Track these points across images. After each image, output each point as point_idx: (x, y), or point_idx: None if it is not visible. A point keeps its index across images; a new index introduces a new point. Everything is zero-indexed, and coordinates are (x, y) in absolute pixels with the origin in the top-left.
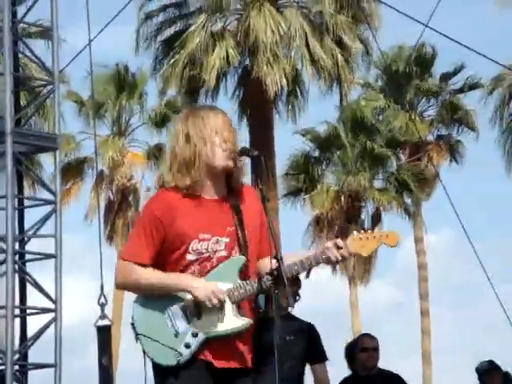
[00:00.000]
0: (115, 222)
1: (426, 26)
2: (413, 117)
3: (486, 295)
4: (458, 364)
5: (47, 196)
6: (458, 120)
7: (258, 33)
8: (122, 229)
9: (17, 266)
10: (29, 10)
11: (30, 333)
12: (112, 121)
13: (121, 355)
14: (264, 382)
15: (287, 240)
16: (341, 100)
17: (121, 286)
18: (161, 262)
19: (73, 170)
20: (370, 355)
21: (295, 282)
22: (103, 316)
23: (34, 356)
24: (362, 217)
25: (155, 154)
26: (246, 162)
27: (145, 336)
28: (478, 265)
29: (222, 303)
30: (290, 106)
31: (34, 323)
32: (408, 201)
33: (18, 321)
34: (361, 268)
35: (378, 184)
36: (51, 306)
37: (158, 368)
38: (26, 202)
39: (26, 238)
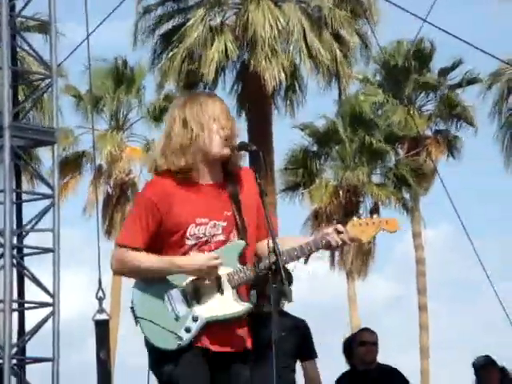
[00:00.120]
0: (113, 216)
1: (425, 20)
2: (411, 112)
3: (485, 291)
4: (455, 359)
5: (45, 190)
6: (457, 115)
7: (257, 27)
8: (121, 223)
9: (15, 261)
10: (27, 3)
11: (28, 327)
12: (110, 115)
13: (119, 348)
14: (261, 379)
15: (285, 234)
16: (339, 95)
17: (116, 272)
18: (159, 247)
19: (71, 165)
20: (369, 349)
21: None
22: (101, 310)
23: (31, 350)
24: (361, 211)
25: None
26: (245, 156)
27: (145, 319)
28: (476, 260)
29: (219, 284)
30: (288, 101)
31: (32, 317)
32: (406, 196)
33: (16, 315)
34: (359, 262)
35: (376, 179)
36: (49, 300)
37: (155, 351)
38: (25, 196)
39: (24, 233)
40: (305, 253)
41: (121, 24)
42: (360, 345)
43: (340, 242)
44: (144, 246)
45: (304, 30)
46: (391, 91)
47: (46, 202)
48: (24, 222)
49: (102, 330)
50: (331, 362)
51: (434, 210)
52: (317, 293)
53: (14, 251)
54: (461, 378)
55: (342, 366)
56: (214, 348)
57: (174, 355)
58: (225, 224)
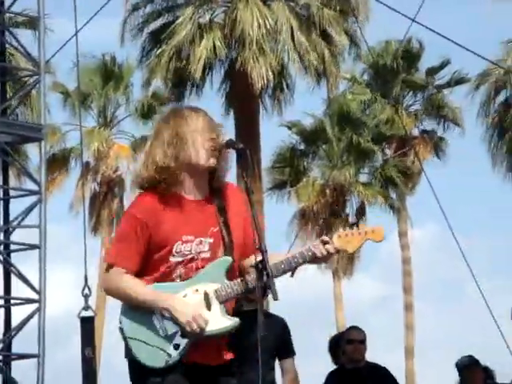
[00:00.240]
0: (100, 213)
1: (414, 20)
2: (399, 111)
3: (471, 291)
4: (441, 359)
5: (32, 187)
6: (444, 115)
7: (245, 26)
8: (107, 220)
9: (1, 257)
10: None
11: (15, 323)
12: (98, 112)
13: (104, 345)
14: (247, 379)
15: (272, 233)
16: (328, 95)
17: (108, 294)
18: (145, 263)
19: (58, 161)
20: (357, 348)
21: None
22: (87, 307)
23: (17, 346)
24: (347, 210)
25: (141, 145)
26: (232, 155)
27: (133, 338)
28: (463, 260)
29: (202, 329)
30: (276, 100)
31: (18, 314)
32: (393, 195)
33: (2, 311)
34: (344, 261)
35: (363, 178)
36: (35, 296)
37: (140, 369)
38: (12, 193)
39: (10, 229)
40: (291, 266)
41: (109, 21)
42: (348, 343)
43: (325, 253)
44: (135, 268)
45: (292, 29)
46: (379, 91)
47: (33, 199)
48: (11, 219)
49: (88, 326)
50: (317, 361)
51: (421, 210)
52: (303, 292)
53: (1, 247)
54: (447, 378)
55: (328, 365)
56: (200, 361)
57: (161, 373)
58: (211, 240)
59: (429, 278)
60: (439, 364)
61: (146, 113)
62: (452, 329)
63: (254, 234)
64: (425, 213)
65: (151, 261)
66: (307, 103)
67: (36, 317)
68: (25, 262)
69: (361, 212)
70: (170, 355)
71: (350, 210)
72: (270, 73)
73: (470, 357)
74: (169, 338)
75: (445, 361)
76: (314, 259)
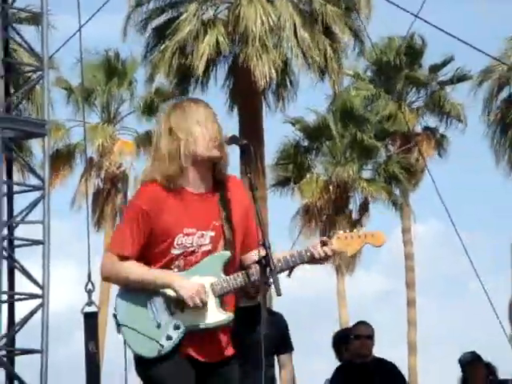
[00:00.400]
0: (104, 209)
1: (417, 16)
2: (402, 107)
3: (474, 287)
4: (444, 354)
5: (36, 182)
6: (446, 111)
7: (248, 22)
8: (111, 216)
9: (5, 252)
10: None
11: (18, 319)
12: (101, 108)
13: (107, 342)
14: (251, 375)
15: (276, 229)
16: (334, 92)
17: (105, 279)
18: (146, 255)
19: (62, 157)
20: (364, 343)
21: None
22: (90, 303)
23: (20, 342)
24: (350, 207)
25: (144, 141)
26: (235, 151)
27: (126, 327)
28: (465, 256)
29: (204, 302)
30: (279, 96)
31: (21, 309)
32: (396, 191)
33: (5, 306)
34: (347, 258)
35: (366, 174)
36: (39, 291)
37: (139, 358)
38: (16, 188)
39: (14, 224)
40: (289, 265)
41: (113, 17)
42: (355, 338)
43: (323, 255)
44: (134, 255)
45: (295, 26)
46: (382, 87)
47: (37, 194)
48: (14, 214)
49: (91, 322)
50: (320, 357)
51: (424, 206)
52: (306, 288)
53: (5, 243)
54: (449, 374)
55: (332, 361)
56: (200, 358)
57: (155, 362)
58: (213, 234)
59: (431, 273)
60: (442, 360)
61: (149, 109)
62: (455, 325)
63: (256, 229)
64: (428, 209)
65: (152, 253)
66: (310, 99)
67: (39, 312)
68: (28, 258)
69: (364, 208)
70: (162, 346)
71: (354, 206)
72: (273, 70)
73: (473, 353)
74: (162, 329)
75: (447, 356)
76: (312, 260)
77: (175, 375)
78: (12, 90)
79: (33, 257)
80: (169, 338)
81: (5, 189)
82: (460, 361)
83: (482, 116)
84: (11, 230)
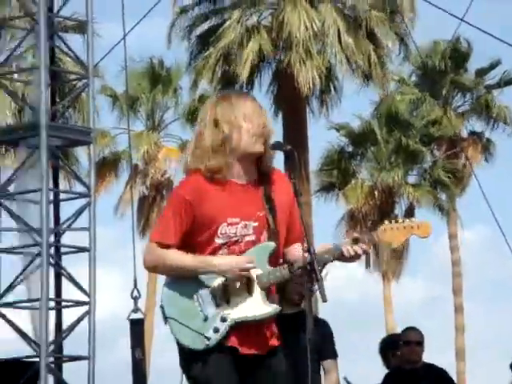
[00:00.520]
0: (149, 216)
1: (462, 20)
2: (448, 112)
3: None
4: (492, 359)
5: (82, 189)
6: (493, 115)
7: (292, 28)
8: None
9: (52, 260)
10: (64, 3)
11: (65, 326)
12: (146, 115)
13: (154, 349)
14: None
15: (321, 235)
16: (381, 97)
17: (148, 268)
18: (190, 244)
19: (108, 165)
20: (414, 349)
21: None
22: (136, 309)
23: (68, 349)
24: (396, 212)
25: None
26: (279, 157)
27: (173, 319)
28: None
29: (249, 285)
30: (322, 102)
31: (69, 316)
32: (442, 197)
33: (53, 313)
34: (393, 263)
35: (411, 180)
36: (85, 298)
37: (184, 351)
38: (62, 195)
39: (60, 231)
40: (319, 263)
41: (157, 24)
42: (405, 344)
43: (352, 254)
44: (177, 243)
45: (339, 31)
46: (427, 91)
47: (83, 201)
48: (61, 221)
49: (137, 329)
50: (368, 363)
51: (471, 211)
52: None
53: (52, 250)
54: (498, 379)
55: (379, 367)
56: (243, 350)
57: (202, 355)
58: (256, 224)
59: (478, 278)
60: (490, 364)
61: (193, 116)
62: (502, 329)
63: (300, 223)
64: (475, 214)
65: (196, 243)
66: (355, 105)
67: (86, 319)
68: (75, 265)
69: (409, 213)
70: (209, 338)
71: (399, 211)
72: (317, 76)
73: None
74: (209, 321)
75: (495, 361)
76: (341, 257)
77: (220, 376)
78: (58, 99)
79: (79, 263)
80: (216, 330)
81: (51, 196)
82: (511, 365)
83: None
84: (58, 237)
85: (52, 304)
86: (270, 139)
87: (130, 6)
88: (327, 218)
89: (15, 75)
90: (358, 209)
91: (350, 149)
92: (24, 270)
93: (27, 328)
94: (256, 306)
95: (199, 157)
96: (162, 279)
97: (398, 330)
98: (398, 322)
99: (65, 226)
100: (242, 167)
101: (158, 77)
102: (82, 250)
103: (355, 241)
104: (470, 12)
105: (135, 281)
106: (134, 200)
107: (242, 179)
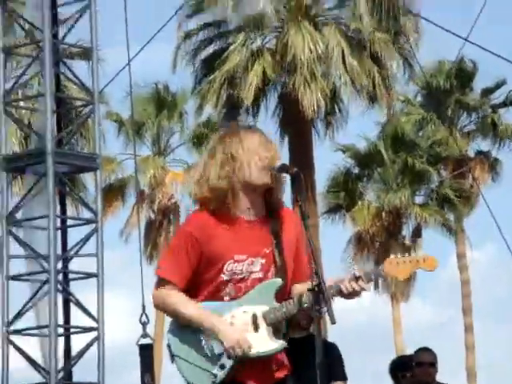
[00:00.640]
0: (156, 241)
1: (467, 40)
2: (453, 132)
3: None
4: (503, 378)
5: (89, 215)
6: (499, 135)
7: (296, 51)
8: (163, 248)
9: (60, 286)
10: (69, 30)
11: (74, 352)
12: (152, 140)
13: (163, 374)
14: None
15: (328, 257)
16: (387, 118)
17: (157, 308)
18: (195, 279)
19: (114, 190)
20: (427, 371)
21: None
22: (145, 335)
23: (77, 375)
24: (403, 233)
25: None
26: (286, 179)
27: (180, 357)
28: None
29: (255, 321)
30: (328, 124)
31: (77, 342)
32: (450, 216)
33: (62, 340)
34: (402, 285)
35: (419, 200)
36: (94, 324)
37: None
38: (69, 222)
39: (68, 258)
40: (321, 300)
41: (162, 49)
42: (417, 366)
43: (350, 290)
44: (184, 282)
45: (343, 53)
46: (433, 112)
47: (90, 227)
48: (68, 247)
49: (147, 354)
50: None
51: (479, 231)
52: (359, 316)
53: (59, 276)
54: None
55: None
56: (248, 381)
57: None
58: (263, 261)
59: (487, 298)
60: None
61: (199, 140)
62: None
63: (308, 258)
64: (482, 234)
65: (201, 279)
66: (360, 126)
67: (95, 345)
68: (82, 290)
69: (417, 234)
70: (215, 376)
71: (407, 232)
72: (321, 98)
73: None
74: (215, 358)
75: (507, 380)
76: (340, 294)
77: None
78: (63, 125)
79: (87, 289)
80: (222, 367)
81: (58, 223)
82: None
83: None
84: (66, 263)
85: (61, 330)
86: (280, 175)
87: (135, 32)
88: (334, 240)
89: (21, 102)
90: (366, 230)
91: (357, 170)
92: (32, 296)
93: (36, 355)
94: (262, 342)
95: (205, 192)
96: None
97: (408, 352)
98: (407, 344)
99: (72, 252)
100: (250, 201)
101: (163, 102)
102: (89, 275)
103: (355, 278)
104: (475, 32)
105: (143, 306)
106: (141, 225)
107: (250, 214)
